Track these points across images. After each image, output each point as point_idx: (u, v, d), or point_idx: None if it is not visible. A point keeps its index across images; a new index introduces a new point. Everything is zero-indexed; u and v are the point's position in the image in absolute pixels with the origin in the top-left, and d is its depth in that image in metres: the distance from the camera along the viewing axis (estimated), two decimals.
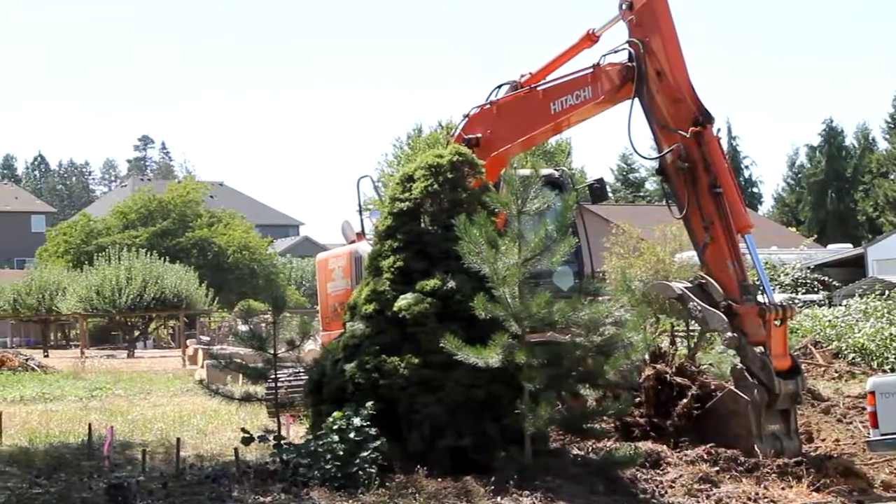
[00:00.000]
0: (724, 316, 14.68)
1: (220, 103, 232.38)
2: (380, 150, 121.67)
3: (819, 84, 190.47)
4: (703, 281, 15.08)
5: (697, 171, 15.10)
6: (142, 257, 62.11)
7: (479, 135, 18.04)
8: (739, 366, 14.57)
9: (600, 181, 19.62)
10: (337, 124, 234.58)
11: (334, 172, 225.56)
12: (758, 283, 15.12)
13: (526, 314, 12.80)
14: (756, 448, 13.98)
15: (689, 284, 15.30)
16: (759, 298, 14.84)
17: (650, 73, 15.47)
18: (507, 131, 17.76)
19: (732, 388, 14.60)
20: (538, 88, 17.27)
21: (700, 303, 14.91)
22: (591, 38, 16.97)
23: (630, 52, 15.76)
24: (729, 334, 14.58)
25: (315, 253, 32.69)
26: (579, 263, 19.22)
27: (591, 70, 16.32)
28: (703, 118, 15.13)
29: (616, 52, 16.01)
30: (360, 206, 21.62)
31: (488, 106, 18.14)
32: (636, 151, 16.20)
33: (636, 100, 15.72)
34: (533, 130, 17.53)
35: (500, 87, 18.08)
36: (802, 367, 15.85)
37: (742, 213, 15.19)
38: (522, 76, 17.81)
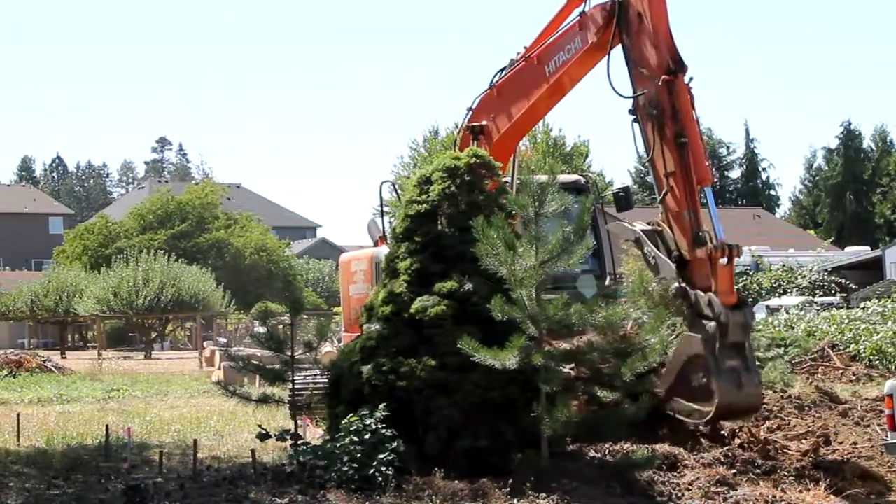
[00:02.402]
0: (673, 265, 14.81)
1: (237, 106, 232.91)
2: (396, 152, 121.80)
3: (837, 87, 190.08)
4: (660, 228, 15.21)
5: (665, 119, 15.16)
6: (159, 259, 62.30)
7: (484, 122, 18.25)
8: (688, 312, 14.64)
9: (625, 190, 19.48)
10: (353, 126, 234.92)
11: (351, 174, 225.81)
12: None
13: (543, 316, 12.80)
14: (715, 385, 13.98)
15: (648, 228, 15.41)
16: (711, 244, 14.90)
17: (631, 12, 15.62)
18: (510, 108, 17.98)
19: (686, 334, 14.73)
20: (532, 56, 17.48)
21: (654, 249, 15.05)
22: None
23: None
24: (675, 284, 14.65)
25: (332, 255, 32.79)
26: (600, 266, 19.24)
27: (577, 19, 16.60)
28: (676, 67, 15.17)
29: None
30: (382, 209, 21.66)
31: (489, 90, 18.36)
32: (614, 90, 15.99)
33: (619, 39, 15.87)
34: (533, 98, 17.64)
35: (501, 70, 18.25)
36: (748, 301, 15.92)
37: (703, 166, 15.26)
38: (518, 53, 17.97)
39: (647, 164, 15.80)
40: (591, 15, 16.36)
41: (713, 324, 14.27)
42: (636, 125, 15.79)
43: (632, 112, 15.81)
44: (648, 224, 15.60)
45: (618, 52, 16.02)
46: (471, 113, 18.64)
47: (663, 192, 15.35)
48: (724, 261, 14.70)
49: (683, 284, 14.62)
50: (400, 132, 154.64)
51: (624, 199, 19.06)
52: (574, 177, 21.47)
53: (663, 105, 15.17)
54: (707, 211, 15.32)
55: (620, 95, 15.82)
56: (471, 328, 13.09)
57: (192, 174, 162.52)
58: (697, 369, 14.42)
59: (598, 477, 12.96)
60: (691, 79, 15.33)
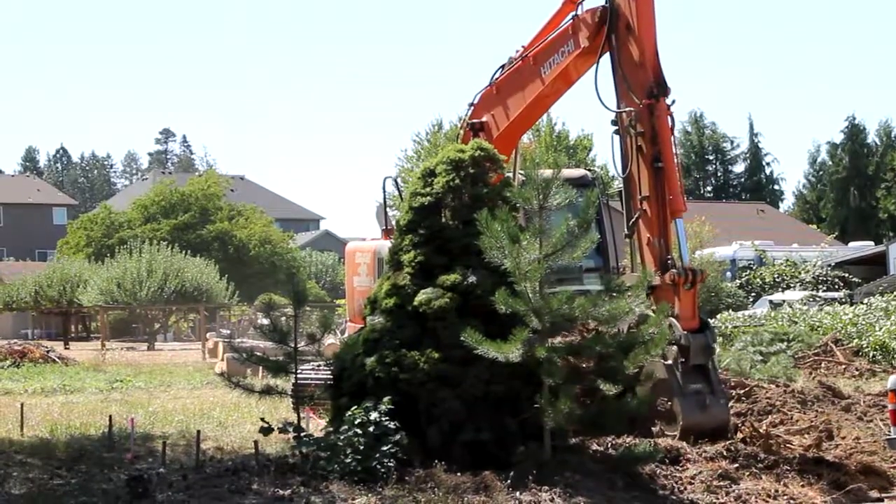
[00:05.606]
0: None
1: (240, 97, 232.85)
2: (400, 144, 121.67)
3: (841, 81, 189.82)
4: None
5: (644, 141, 15.11)
6: (163, 250, 62.32)
7: (484, 119, 18.27)
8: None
9: None
10: (357, 118, 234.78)
11: (355, 167, 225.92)
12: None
13: (547, 309, 12.80)
14: (678, 406, 13.97)
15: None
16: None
17: (620, 22, 15.56)
18: (508, 106, 17.99)
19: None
20: (528, 56, 17.46)
21: None
22: (573, 1, 16.96)
23: None
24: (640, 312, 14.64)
25: (335, 247, 32.85)
26: (605, 259, 19.25)
27: (570, 22, 16.60)
28: (658, 90, 15.09)
29: None
30: (385, 204, 21.74)
31: (489, 87, 18.37)
32: (601, 100, 15.99)
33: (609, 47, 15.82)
34: (530, 98, 17.64)
35: (501, 67, 18.24)
36: (711, 322, 15.91)
37: (678, 196, 15.14)
38: (517, 51, 17.96)
39: (623, 180, 15.67)
40: (582, 18, 16.33)
41: (674, 348, 14.26)
42: (616, 137, 15.78)
43: (614, 123, 15.78)
44: None
45: (607, 61, 15.97)
46: (472, 108, 18.64)
47: (635, 214, 15.32)
48: (686, 287, 14.65)
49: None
50: (404, 125, 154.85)
51: None
52: (580, 172, 21.52)
53: (643, 127, 15.12)
54: (677, 239, 15.27)
55: (606, 107, 15.75)
56: (474, 321, 13.09)
57: (195, 166, 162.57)
58: (662, 394, 14.38)
59: (601, 470, 12.97)
60: (673, 101, 15.26)
